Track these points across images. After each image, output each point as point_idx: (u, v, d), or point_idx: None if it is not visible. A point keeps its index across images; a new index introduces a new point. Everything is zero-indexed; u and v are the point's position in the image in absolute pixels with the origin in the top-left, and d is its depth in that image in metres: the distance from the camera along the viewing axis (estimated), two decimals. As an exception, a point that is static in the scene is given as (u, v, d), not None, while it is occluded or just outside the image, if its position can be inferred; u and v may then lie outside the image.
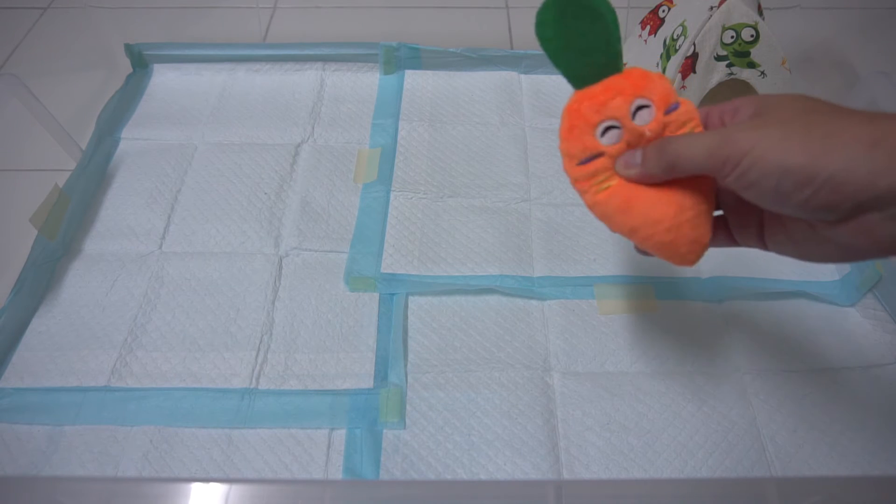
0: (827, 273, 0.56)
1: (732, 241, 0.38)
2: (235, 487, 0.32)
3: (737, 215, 0.37)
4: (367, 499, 0.36)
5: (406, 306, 0.54)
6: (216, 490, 0.31)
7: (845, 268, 0.56)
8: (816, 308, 0.54)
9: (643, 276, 0.55)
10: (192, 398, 0.48)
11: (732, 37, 0.54)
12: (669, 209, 0.34)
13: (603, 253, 0.57)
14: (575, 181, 0.36)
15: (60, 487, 0.34)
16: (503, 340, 0.52)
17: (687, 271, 0.56)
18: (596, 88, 0.35)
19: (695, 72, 0.55)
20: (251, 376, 0.49)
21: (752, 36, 0.54)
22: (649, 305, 0.54)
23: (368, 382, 0.49)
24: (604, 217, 0.36)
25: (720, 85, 0.56)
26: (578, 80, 0.36)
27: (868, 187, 0.27)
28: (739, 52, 0.54)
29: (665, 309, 0.54)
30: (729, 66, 0.55)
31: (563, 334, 0.52)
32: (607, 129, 0.35)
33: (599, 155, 0.35)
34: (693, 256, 0.35)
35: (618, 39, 0.34)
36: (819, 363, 0.50)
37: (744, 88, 0.57)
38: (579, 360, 0.51)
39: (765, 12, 0.56)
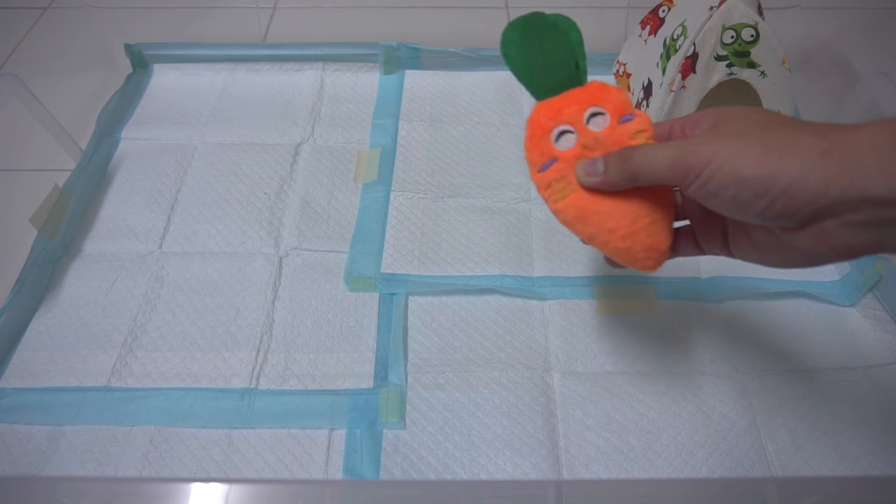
0: (827, 273, 0.56)
1: (699, 250, 0.39)
2: (235, 487, 0.32)
3: (701, 224, 0.38)
4: (367, 499, 0.36)
5: (406, 306, 0.54)
6: (216, 490, 0.31)
7: (845, 268, 0.55)
8: (816, 308, 0.54)
9: (643, 276, 0.55)
10: (191, 398, 0.48)
11: (732, 37, 0.54)
12: (624, 218, 0.35)
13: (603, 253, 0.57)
14: (539, 189, 0.37)
15: (60, 487, 0.34)
16: (503, 340, 0.52)
17: (687, 271, 0.56)
18: (555, 99, 0.37)
19: (695, 72, 0.55)
20: (251, 376, 0.49)
21: (752, 36, 0.53)
22: (649, 305, 0.54)
23: (368, 382, 0.49)
24: (565, 224, 0.37)
25: (720, 85, 0.56)
26: (542, 93, 0.37)
27: (822, 195, 0.28)
28: (739, 52, 0.54)
29: (665, 309, 0.54)
30: (729, 66, 0.55)
31: (563, 334, 0.52)
32: (562, 133, 0.36)
33: (555, 160, 0.36)
34: (651, 262, 0.36)
35: (582, 56, 0.36)
36: (819, 363, 0.50)
37: (744, 88, 0.57)
38: (579, 360, 0.51)
39: (765, 12, 0.56)
